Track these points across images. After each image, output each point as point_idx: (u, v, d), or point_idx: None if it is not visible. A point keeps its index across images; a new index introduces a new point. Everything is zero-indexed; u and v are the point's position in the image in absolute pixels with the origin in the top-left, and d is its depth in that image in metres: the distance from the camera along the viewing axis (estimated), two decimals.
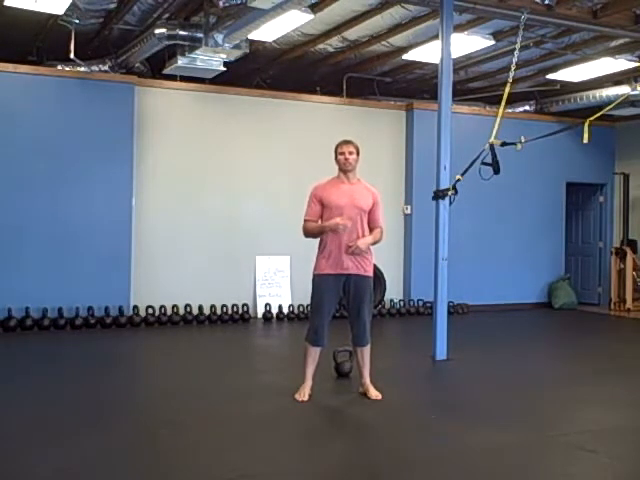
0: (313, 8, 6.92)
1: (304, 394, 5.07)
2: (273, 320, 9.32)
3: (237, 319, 9.07)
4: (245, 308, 9.22)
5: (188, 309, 8.90)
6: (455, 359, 6.66)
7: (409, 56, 8.74)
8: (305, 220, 5.17)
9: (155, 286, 8.87)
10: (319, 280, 5.10)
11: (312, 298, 5.14)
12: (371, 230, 5.18)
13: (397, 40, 8.31)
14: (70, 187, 8.42)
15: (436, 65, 7.07)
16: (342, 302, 5.26)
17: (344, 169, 5.15)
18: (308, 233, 5.19)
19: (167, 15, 7.52)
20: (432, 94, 9.55)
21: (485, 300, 10.54)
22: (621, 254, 10.98)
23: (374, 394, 5.17)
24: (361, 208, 5.09)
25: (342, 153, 5.13)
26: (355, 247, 5.00)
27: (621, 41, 8.06)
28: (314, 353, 5.15)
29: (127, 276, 8.69)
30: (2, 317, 7.98)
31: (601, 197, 11.74)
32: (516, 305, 10.82)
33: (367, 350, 5.24)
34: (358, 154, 5.16)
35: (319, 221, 5.15)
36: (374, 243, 5.19)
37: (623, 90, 9.28)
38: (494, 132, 6.53)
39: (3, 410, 4.77)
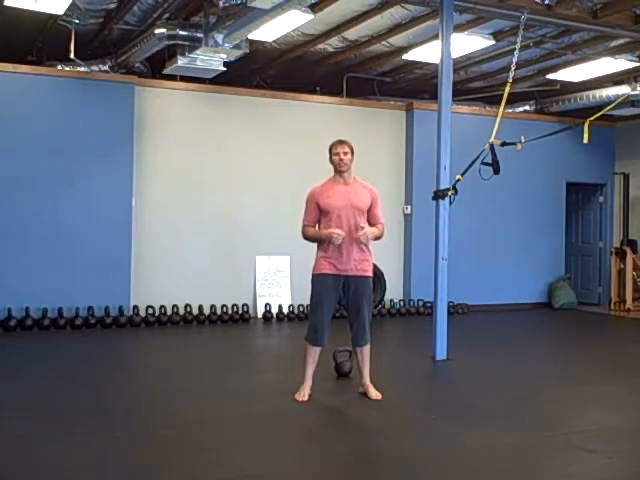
0: (313, 8, 6.91)
1: (304, 394, 5.07)
2: (273, 320, 9.32)
3: (237, 319, 9.07)
4: (245, 308, 9.21)
5: (188, 309, 8.90)
6: (455, 359, 6.66)
7: (409, 56, 8.74)
8: (304, 225, 5.18)
9: (155, 286, 8.86)
10: (318, 279, 5.09)
11: (311, 297, 5.13)
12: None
13: (397, 40, 8.32)
14: (70, 187, 8.42)
15: (436, 65, 7.07)
16: (342, 302, 5.26)
17: (339, 169, 5.13)
18: (307, 238, 5.21)
19: (167, 15, 7.51)
20: (432, 94, 9.54)
21: (485, 300, 10.54)
22: (621, 254, 10.98)
23: (374, 394, 5.17)
24: (358, 208, 5.07)
25: (337, 154, 5.11)
26: (363, 233, 4.95)
27: (621, 41, 8.06)
28: (314, 353, 5.13)
29: (127, 276, 8.69)
30: (2, 317, 7.98)
31: (601, 197, 11.74)
32: (516, 305, 10.82)
33: (367, 350, 5.24)
34: (353, 153, 5.15)
35: (317, 226, 5.16)
36: (377, 238, 5.16)
37: (623, 90, 9.28)
38: (494, 132, 6.53)
39: (3, 410, 4.77)
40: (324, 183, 5.21)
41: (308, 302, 5.30)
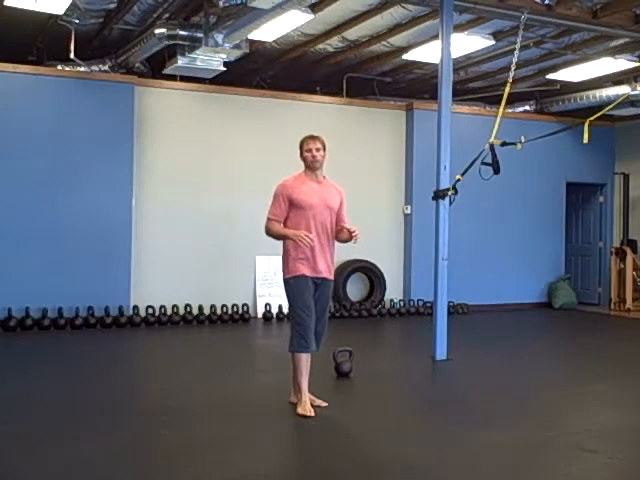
0: (313, 8, 6.92)
1: (310, 408, 4.73)
2: (273, 320, 9.32)
3: (237, 319, 9.07)
4: (245, 308, 9.21)
5: (188, 309, 8.90)
6: (455, 359, 6.66)
7: (409, 56, 8.74)
8: (270, 219, 4.86)
9: (155, 286, 8.87)
10: (299, 281, 4.81)
11: (295, 301, 4.83)
12: (338, 229, 4.97)
13: (397, 40, 8.32)
14: (70, 187, 8.43)
15: (436, 65, 7.07)
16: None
17: (312, 167, 4.86)
18: (271, 233, 4.90)
19: (167, 15, 7.52)
20: (432, 94, 9.54)
21: (485, 300, 10.54)
22: (621, 254, 10.98)
23: (318, 401, 4.94)
24: (332, 208, 4.89)
25: (309, 150, 4.83)
26: (357, 234, 4.82)
27: (621, 41, 8.07)
28: (306, 360, 4.83)
29: (127, 276, 8.69)
30: (2, 317, 7.98)
31: (601, 197, 11.74)
32: (516, 305, 10.82)
33: None
34: (325, 149, 4.91)
35: (281, 224, 4.86)
36: (347, 240, 4.99)
37: (623, 90, 9.29)
38: (494, 132, 6.53)
39: (3, 410, 4.77)
40: (295, 178, 4.91)
41: None
